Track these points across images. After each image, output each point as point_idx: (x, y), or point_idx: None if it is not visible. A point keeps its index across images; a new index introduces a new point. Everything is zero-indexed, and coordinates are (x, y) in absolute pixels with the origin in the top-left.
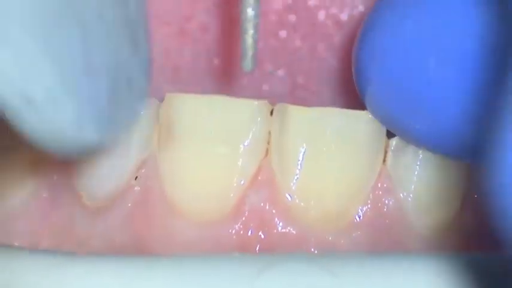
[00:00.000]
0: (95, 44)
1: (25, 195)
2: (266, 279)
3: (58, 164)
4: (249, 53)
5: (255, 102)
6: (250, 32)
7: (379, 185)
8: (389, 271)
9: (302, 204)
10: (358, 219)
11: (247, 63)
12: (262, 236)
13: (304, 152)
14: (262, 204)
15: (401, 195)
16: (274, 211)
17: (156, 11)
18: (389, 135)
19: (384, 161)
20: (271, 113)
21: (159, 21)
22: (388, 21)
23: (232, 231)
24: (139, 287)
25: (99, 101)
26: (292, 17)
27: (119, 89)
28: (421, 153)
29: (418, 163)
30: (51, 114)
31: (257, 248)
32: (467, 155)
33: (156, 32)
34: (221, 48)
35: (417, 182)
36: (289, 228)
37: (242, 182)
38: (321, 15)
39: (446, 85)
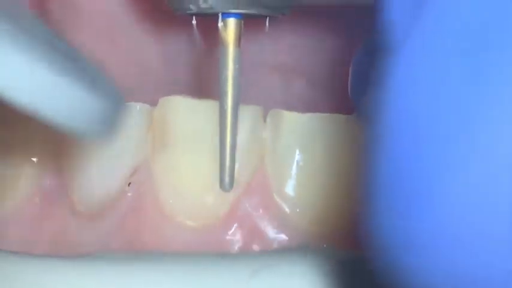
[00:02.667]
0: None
1: (18, 201)
2: (260, 280)
3: (51, 170)
4: (227, 177)
5: (249, 108)
6: (228, 158)
7: None
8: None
9: (296, 209)
10: (352, 224)
11: (226, 186)
12: (256, 242)
13: (298, 158)
14: (255, 210)
15: None
16: (267, 217)
17: None
18: None
19: None
20: (265, 118)
21: None
22: None
23: (226, 236)
24: (133, 286)
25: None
26: None
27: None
28: None
29: None
30: None
31: None
32: None
33: None
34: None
35: None
36: (282, 234)
37: (236, 188)
38: None
39: None
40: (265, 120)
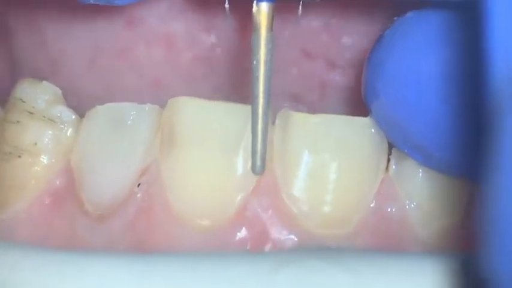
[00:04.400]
0: None
1: (27, 201)
2: (282, 276)
3: (60, 171)
4: (259, 160)
5: None
6: (260, 142)
7: (382, 192)
8: (403, 268)
9: (304, 211)
10: (360, 226)
11: (258, 169)
12: (265, 243)
13: (306, 159)
14: (264, 211)
15: (403, 202)
16: (276, 218)
17: None
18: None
19: (387, 168)
20: (274, 119)
21: None
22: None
23: (234, 238)
24: (152, 284)
25: None
26: None
27: None
28: None
29: (421, 171)
30: None
31: None
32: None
33: None
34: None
35: (420, 189)
36: (291, 235)
37: (245, 189)
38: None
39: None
40: (274, 121)
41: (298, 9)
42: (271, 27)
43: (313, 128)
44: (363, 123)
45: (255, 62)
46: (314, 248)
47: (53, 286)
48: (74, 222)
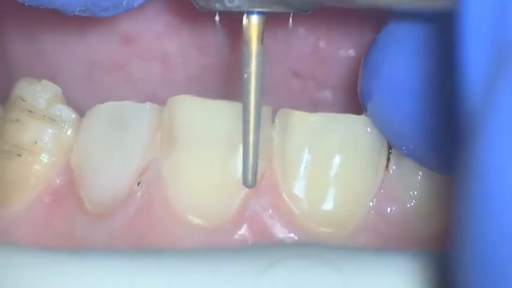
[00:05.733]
0: None
1: (28, 200)
2: (272, 274)
3: (60, 170)
4: (250, 174)
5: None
6: (251, 156)
7: (382, 191)
8: (394, 267)
9: (305, 210)
10: (360, 225)
11: (249, 183)
12: (265, 241)
13: (306, 157)
14: (264, 210)
15: (404, 202)
16: (276, 217)
17: None
18: None
19: (387, 167)
20: (274, 118)
21: None
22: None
23: (235, 236)
24: (146, 280)
25: None
26: None
27: None
28: None
29: (421, 169)
30: None
31: None
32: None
33: None
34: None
35: (420, 188)
36: (291, 233)
37: (245, 188)
38: None
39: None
40: (273, 120)
41: (288, 24)
42: (261, 40)
43: (313, 126)
44: (363, 122)
45: (245, 75)
46: (303, 247)
47: (53, 285)
48: (74, 221)
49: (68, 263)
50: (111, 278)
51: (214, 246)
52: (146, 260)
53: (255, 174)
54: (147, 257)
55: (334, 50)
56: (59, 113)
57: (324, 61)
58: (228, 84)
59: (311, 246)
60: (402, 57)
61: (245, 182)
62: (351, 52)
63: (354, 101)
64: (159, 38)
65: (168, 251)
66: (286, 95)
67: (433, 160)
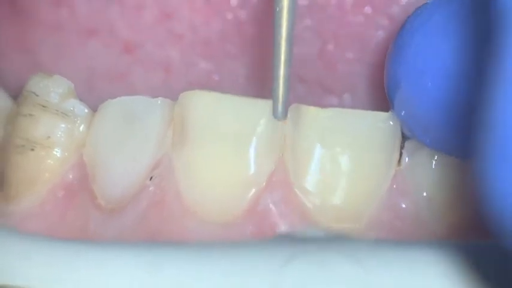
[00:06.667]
0: None
1: (41, 194)
2: (293, 267)
3: (73, 164)
4: (280, 106)
5: (269, 102)
6: (281, 88)
7: (395, 186)
8: (416, 259)
9: (317, 205)
10: (373, 220)
11: (279, 115)
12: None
13: (318, 153)
14: (276, 205)
15: (416, 196)
16: (288, 212)
17: None
18: (405, 136)
19: (399, 162)
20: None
21: None
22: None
23: (247, 231)
24: (165, 273)
25: None
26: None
27: None
28: (437, 154)
29: (434, 164)
30: None
31: None
32: None
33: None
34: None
35: (433, 183)
36: (305, 228)
37: (257, 183)
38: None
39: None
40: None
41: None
42: None
43: (325, 122)
44: (375, 117)
45: (277, 9)
46: (321, 240)
47: (65, 276)
48: (87, 216)
49: (80, 254)
50: (124, 269)
51: (231, 240)
52: (165, 251)
53: (285, 107)
54: (167, 249)
55: (341, 54)
56: (71, 108)
57: (330, 66)
58: (231, 93)
59: (330, 239)
60: (427, 39)
61: (275, 114)
62: (357, 56)
63: (361, 106)
64: (161, 46)
65: (187, 243)
66: (292, 99)
67: (459, 149)
